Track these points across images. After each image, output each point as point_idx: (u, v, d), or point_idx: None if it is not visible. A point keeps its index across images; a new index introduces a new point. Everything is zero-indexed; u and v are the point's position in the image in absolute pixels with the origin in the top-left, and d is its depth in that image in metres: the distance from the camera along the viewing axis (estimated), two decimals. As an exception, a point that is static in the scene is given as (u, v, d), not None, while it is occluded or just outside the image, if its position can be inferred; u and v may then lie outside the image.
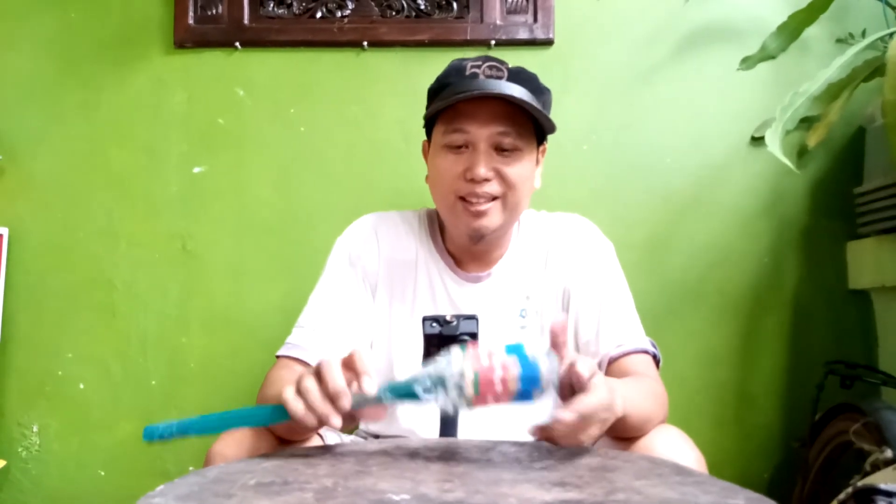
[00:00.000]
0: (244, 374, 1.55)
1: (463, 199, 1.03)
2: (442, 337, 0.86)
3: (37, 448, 1.57)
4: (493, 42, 1.56)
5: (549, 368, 0.67)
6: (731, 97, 1.56)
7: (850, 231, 1.52)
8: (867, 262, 1.46)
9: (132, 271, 1.58)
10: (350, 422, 0.75)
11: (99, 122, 1.60)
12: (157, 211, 1.59)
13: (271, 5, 1.60)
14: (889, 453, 1.10)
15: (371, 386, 0.71)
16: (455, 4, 1.59)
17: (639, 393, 0.89)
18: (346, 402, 0.71)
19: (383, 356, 1.13)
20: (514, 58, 1.57)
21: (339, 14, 1.60)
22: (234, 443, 0.89)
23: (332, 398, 0.71)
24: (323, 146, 1.59)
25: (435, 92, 1.08)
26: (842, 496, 0.70)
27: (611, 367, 1.04)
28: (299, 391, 0.72)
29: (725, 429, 1.53)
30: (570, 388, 0.75)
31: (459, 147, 1.03)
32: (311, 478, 0.61)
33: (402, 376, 0.73)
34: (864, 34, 1.49)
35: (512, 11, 1.58)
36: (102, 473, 1.57)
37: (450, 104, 1.00)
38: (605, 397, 0.74)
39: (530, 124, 1.04)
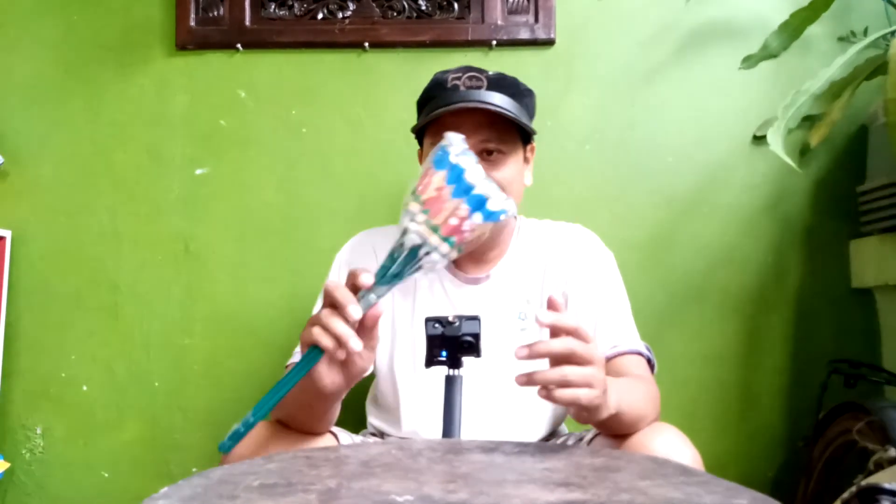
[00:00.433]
0: (248, 374, 1.56)
1: None
2: (444, 338, 0.86)
3: (41, 450, 1.57)
4: (494, 42, 1.56)
5: (481, 180, 0.74)
6: (732, 96, 1.56)
7: (852, 230, 1.52)
8: (870, 260, 1.46)
9: (135, 273, 1.58)
10: (369, 339, 0.78)
11: (101, 124, 1.60)
12: (160, 212, 1.59)
13: (272, 7, 1.61)
14: (893, 452, 1.10)
15: (368, 277, 0.75)
16: (456, 5, 1.59)
17: (632, 392, 0.91)
18: (355, 310, 0.73)
19: (386, 358, 1.14)
20: (515, 58, 1.59)
21: (340, 15, 1.60)
22: (252, 444, 0.92)
23: (341, 310, 0.74)
24: (325, 147, 1.59)
25: (422, 104, 1.13)
26: (845, 495, 0.70)
27: (605, 366, 1.05)
28: (312, 322, 0.76)
29: (729, 428, 1.53)
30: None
31: None
32: (314, 479, 0.61)
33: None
34: (866, 32, 1.49)
35: (513, 12, 1.58)
36: (106, 475, 1.57)
37: (433, 118, 1.05)
38: (575, 345, 0.75)
39: (513, 128, 1.08)
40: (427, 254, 0.74)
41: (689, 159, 1.56)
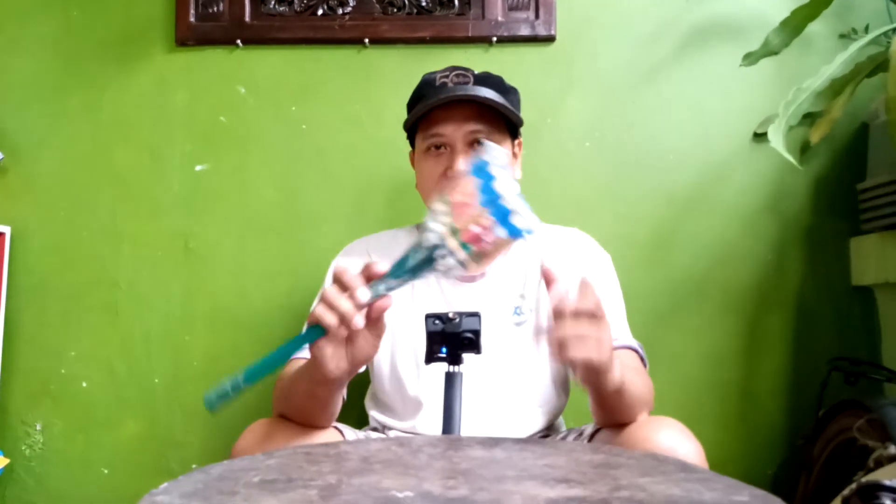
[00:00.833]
0: (247, 372, 1.55)
1: None
2: (444, 334, 0.86)
3: (40, 446, 1.57)
4: (494, 39, 1.56)
5: (511, 193, 0.73)
6: (733, 93, 1.56)
7: (853, 227, 1.52)
8: (871, 258, 1.46)
9: (135, 270, 1.58)
10: (375, 327, 0.80)
11: (101, 121, 1.60)
12: (160, 209, 1.59)
13: (272, 3, 1.60)
14: (893, 449, 1.10)
15: (382, 266, 0.77)
16: (456, 1, 1.58)
17: (632, 375, 0.94)
18: (363, 293, 0.76)
19: (386, 355, 1.15)
20: (515, 55, 1.59)
21: (340, 11, 1.60)
22: (256, 439, 0.94)
23: (349, 291, 0.76)
24: (325, 144, 1.59)
25: (412, 105, 1.18)
26: (846, 492, 0.70)
27: None
28: (322, 300, 0.78)
29: (729, 426, 1.53)
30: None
31: (439, 149, 1.12)
32: (315, 475, 0.61)
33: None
34: (867, 29, 1.48)
35: (513, 8, 1.57)
36: (106, 472, 1.57)
37: (425, 113, 1.10)
38: (592, 302, 0.77)
39: (501, 121, 1.12)
40: (443, 256, 0.74)
41: (690, 157, 1.56)
